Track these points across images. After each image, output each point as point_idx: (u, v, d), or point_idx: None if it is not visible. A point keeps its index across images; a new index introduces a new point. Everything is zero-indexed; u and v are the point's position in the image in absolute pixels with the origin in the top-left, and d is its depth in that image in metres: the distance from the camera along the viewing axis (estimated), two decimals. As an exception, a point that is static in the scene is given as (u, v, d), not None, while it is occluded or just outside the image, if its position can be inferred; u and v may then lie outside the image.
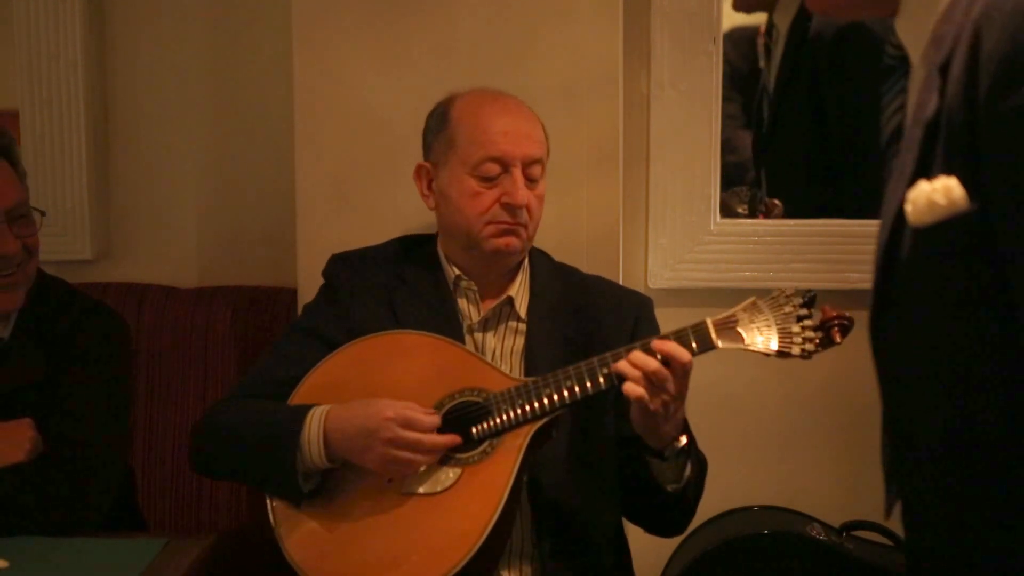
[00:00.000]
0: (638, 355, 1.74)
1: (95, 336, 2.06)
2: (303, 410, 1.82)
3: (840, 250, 2.49)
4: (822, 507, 2.40)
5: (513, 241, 1.91)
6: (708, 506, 2.22)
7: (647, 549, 2.20)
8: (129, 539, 1.95)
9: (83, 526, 1.94)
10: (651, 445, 1.82)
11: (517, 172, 1.89)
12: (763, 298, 1.81)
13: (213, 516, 2.45)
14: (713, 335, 1.76)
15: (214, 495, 2.45)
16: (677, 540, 2.24)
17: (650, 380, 1.72)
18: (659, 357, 1.73)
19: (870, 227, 2.49)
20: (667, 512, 1.96)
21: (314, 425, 1.79)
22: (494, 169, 1.89)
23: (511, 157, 1.89)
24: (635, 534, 2.07)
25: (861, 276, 2.48)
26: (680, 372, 1.73)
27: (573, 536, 1.90)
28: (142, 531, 2.22)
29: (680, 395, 1.76)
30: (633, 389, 1.72)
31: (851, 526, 2.32)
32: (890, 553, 2.29)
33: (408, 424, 1.75)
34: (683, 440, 1.82)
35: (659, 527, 2.03)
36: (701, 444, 1.95)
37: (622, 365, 1.74)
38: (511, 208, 1.89)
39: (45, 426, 1.97)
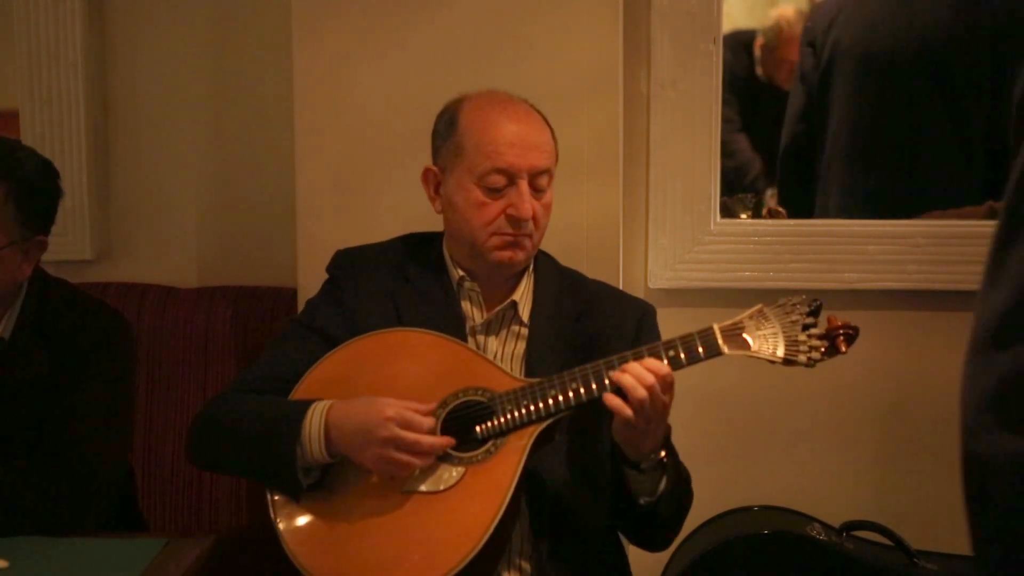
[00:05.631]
0: (635, 367, 1.73)
1: (97, 336, 2.05)
2: (305, 404, 1.82)
3: (840, 250, 2.49)
4: (822, 507, 2.40)
5: (517, 254, 1.90)
6: (708, 506, 2.22)
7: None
8: (129, 539, 1.95)
9: (83, 526, 1.93)
10: (629, 456, 1.81)
11: (523, 184, 1.87)
12: (769, 305, 1.80)
13: (213, 516, 2.45)
14: (720, 341, 1.76)
15: (214, 495, 2.45)
16: (677, 540, 2.24)
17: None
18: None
19: (869, 227, 2.51)
20: (643, 526, 1.94)
21: (315, 419, 1.79)
22: (500, 180, 1.87)
23: (517, 169, 1.87)
24: (635, 534, 2.07)
25: (860, 276, 2.49)
26: (663, 386, 1.73)
27: (571, 535, 1.90)
28: (142, 531, 2.22)
29: (663, 410, 1.75)
30: (612, 400, 1.72)
31: (851, 526, 2.32)
32: (890, 553, 2.29)
33: (407, 424, 1.75)
34: (662, 454, 1.82)
35: (639, 540, 2.01)
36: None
37: (625, 379, 1.73)
38: (516, 221, 1.87)
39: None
